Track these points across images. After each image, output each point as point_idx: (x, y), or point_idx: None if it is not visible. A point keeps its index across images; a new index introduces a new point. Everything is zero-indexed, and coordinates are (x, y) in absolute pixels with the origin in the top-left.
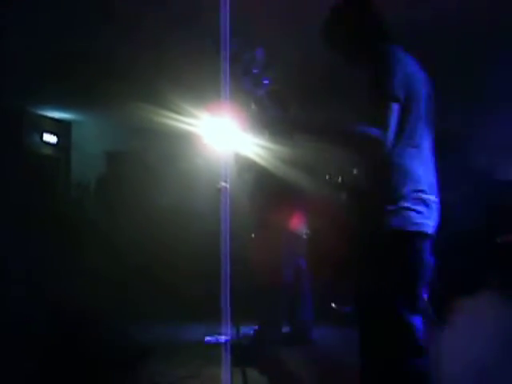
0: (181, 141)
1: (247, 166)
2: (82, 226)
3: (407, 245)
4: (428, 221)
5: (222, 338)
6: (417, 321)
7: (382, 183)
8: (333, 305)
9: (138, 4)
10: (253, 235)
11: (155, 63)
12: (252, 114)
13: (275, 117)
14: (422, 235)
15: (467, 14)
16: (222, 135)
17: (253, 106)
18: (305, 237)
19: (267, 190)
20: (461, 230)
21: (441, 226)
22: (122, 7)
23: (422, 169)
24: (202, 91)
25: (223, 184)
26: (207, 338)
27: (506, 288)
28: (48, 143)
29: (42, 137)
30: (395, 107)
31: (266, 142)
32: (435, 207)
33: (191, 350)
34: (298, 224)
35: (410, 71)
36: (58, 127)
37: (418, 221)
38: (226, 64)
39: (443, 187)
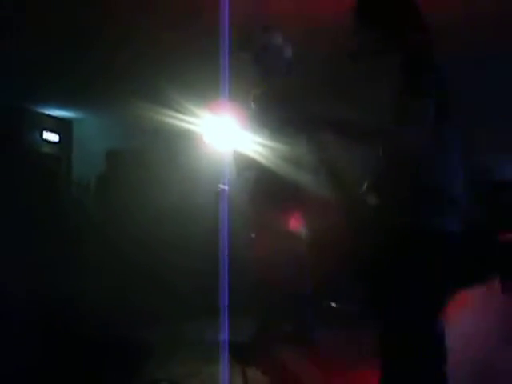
0: (181, 139)
1: (247, 165)
2: (83, 224)
3: (430, 245)
4: (455, 222)
5: (224, 337)
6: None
7: (406, 183)
8: (332, 304)
9: (139, 2)
10: (253, 235)
11: (156, 61)
12: (252, 113)
13: (287, 117)
14: (452, 236)
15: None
16: (223, 134)
17: (252, 105)
18: (304, 236)
19: (267, 189)
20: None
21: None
22: (123, 5)
23: (448, 167)
24: (202, 90)
25: (222, 186)
26: (207, 337)
27: (506, 287)
28: (49, 141)
29: (42, 135)
30: (431, 103)
31: (266, 140)
32: (461, 207)
33: (191, 348)
34: (299, 223)
35: (441, 66)
36: (59, 125)
37: (441, 220)
38: (226, 62)
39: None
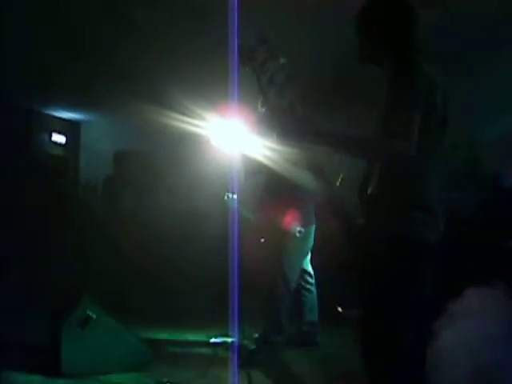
0: (189, 142)
1: (256, 169)
2: (90, 226)
3: (414, 254)
4: (435, 231)
5: (229, 340)
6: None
7: (396, 191)
8: (339, 309)
9: (146, 3)
10: (262, 240)
11: (164, 64)
12: (260, 117)
13: (288, 122)
14: (429, 246)
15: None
16: (231, 137)
17: (260, 108)
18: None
19: (276, 193)
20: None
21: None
22: (133, 7)
23: (432, 178)
24: (210, 92)
25: (230, 195)
26: (213, 340)
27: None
28: (57, 143)
29: (50, 137)
30: (418, 118)
31: (274, 143)
32: (441, 217)
33: (198, 350)
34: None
35: (431, 82)
36: (66, 127)
37: (425, 231)
38: (234, 65)
39: (447, 188)
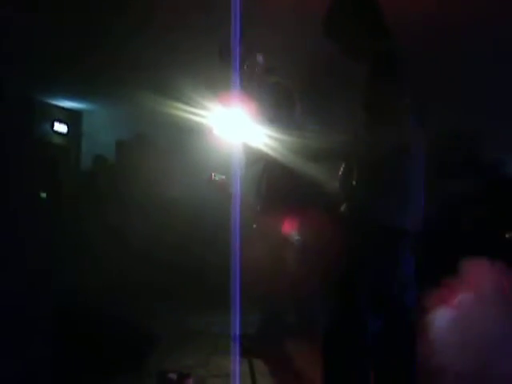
0: (191, 131)
1: (256, 158)
2: (92, 214)
3: (389, 240)
4: (412, 219)
5: (232, 329)
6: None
7: (372, 179)
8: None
9: None
10: (254, 226)
11: (166, 53)
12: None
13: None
14: (405, 233)
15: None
16: (233, 126)
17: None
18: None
19: (277, 183)
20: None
21: (446, 224)
22: None
23: (412, 169)
24: (212, 81)
25: (218, 176)
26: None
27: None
28: (59, 132)
29: (52, 126)
30: (404, 108)
31: (276, 133)
32: (421, 207)
33: (199, 339)
34: (304, 219)
35: (411, 73)
36: (68, 116)
37: (402, 218)
38: (236, 53)
39: (451, 186)
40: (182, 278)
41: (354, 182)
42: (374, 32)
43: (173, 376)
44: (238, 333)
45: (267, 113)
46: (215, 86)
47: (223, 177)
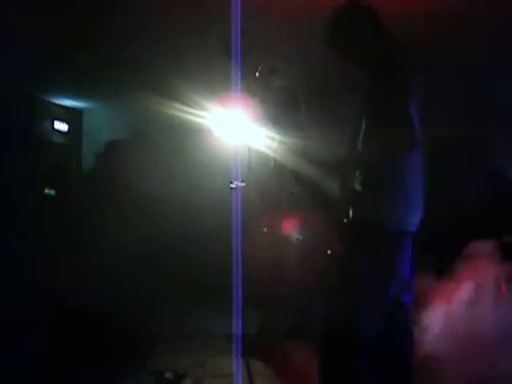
0: (191, 132)
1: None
2: (90, 213)
3: (389, 241)
4: (412, 220)
5: (234, 330)
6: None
7: (372, 181)
8: None
9: None
10: (265, 229)
11: (166, 53)
12: (262, 111)
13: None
14: (405, 234)
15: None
16: (233, 127)
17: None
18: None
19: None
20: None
21: (453, 225)
22: None
23: (411, 169)
24: (213, 82)
25: (237, 183)
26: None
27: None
28: (59, 131)
29: (53, 125)
30: (414, 108)
31: (278, 135)
32: (420, 207)
33: (197, 339)
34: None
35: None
36: (69, 115)
37: (402, 219)
38: (237, 55)
39: (455, 186)
40: (180, 279)
41: (355, 185)
42: (374, 39)
43: (170, 376)
44: (236, 333)
45: (271, 115)
46: (216, 86)
47: (242, 184)
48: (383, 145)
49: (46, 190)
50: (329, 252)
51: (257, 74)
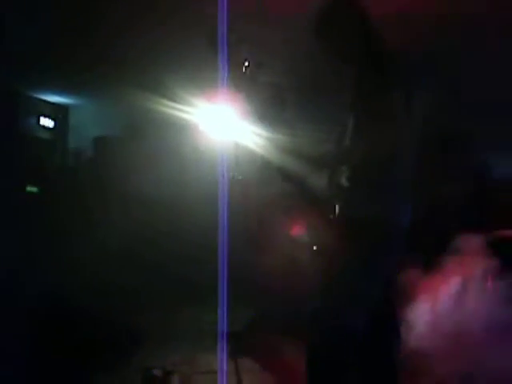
0: (178, 128)
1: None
2: (76, 211)
3: (378, 237)
4: (401, 215)
5: (219, 326)
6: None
7: (360, 176)
8: None
9: None
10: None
11: (153, 48)
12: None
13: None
14: (393, 230)
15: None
16: (220, 123)
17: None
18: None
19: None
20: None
21: (441, 223)
22: None
23: (400, 164)
24: (199, 78)
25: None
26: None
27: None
28: (45, 127)
29: (38, 121)
30: (401, 105)
31: (265, 131)
32: (409, 203)
33: (184, 335)
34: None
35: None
36: (55, 111)
37: (391, 214)
38: (223, 51)
39: (446, 184)
40: (166, 274)
41: (343, 182)
42: (361, 34)
43: (158, 373)
44: (224, 330)
45: (257, 111)
46: (202, 82)
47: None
48: (370, 141)
49: (28, 188)
50: (314, 248)
51: (244, 70)
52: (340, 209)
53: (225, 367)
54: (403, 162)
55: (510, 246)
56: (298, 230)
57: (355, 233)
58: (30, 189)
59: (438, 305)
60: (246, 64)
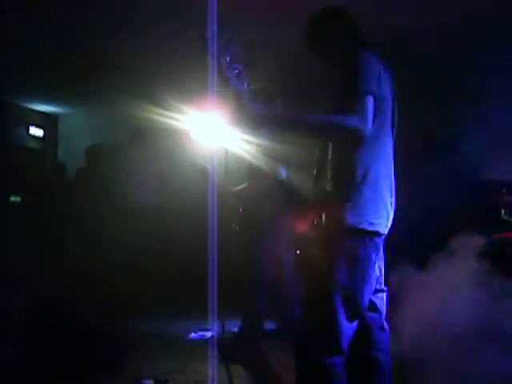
0: (168, 136)
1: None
2: (68, 220)
3: (360, 243)
4: (383, 221)
5: (208, 334)
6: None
7: (343, 181)
8: None
9: None
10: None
11: (143, 57)
12: (235, 110)
13: (255, 112)
14: (376, 235)
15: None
16: (210, 130)
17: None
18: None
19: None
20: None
21: (427, 225)
22: (110, 1)
23: (382, 170)
24: (189, 86)
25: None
26: (192, 335)
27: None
28: (35, 137)
29: (28, 130)
30: (370, 100)
31: (253, 137)
32: (391, 208)
33: (176, 345)
34: (285, 221)
35: (381, 74)
36: (44, 121)
37: (374, 220)
38: (213, 58)
39: (434, 186)
40: (159, 283)
41: (326, 186)
42: (348, 43)
43: (149, 382)
44: (215, 338)
45: (246, 119)
46: (192, 89)
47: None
48: (332, 131)
49: (12, 198)
50: (297, 252)
51: (232, 77)
52: (324, 213)
53: (216, 376)
54: (387, 166)
55: (510, 246)
56: (286, 233)
57: (338, 237)
58: (14, 199)
59: (429, 305)
60: (236, 71)
